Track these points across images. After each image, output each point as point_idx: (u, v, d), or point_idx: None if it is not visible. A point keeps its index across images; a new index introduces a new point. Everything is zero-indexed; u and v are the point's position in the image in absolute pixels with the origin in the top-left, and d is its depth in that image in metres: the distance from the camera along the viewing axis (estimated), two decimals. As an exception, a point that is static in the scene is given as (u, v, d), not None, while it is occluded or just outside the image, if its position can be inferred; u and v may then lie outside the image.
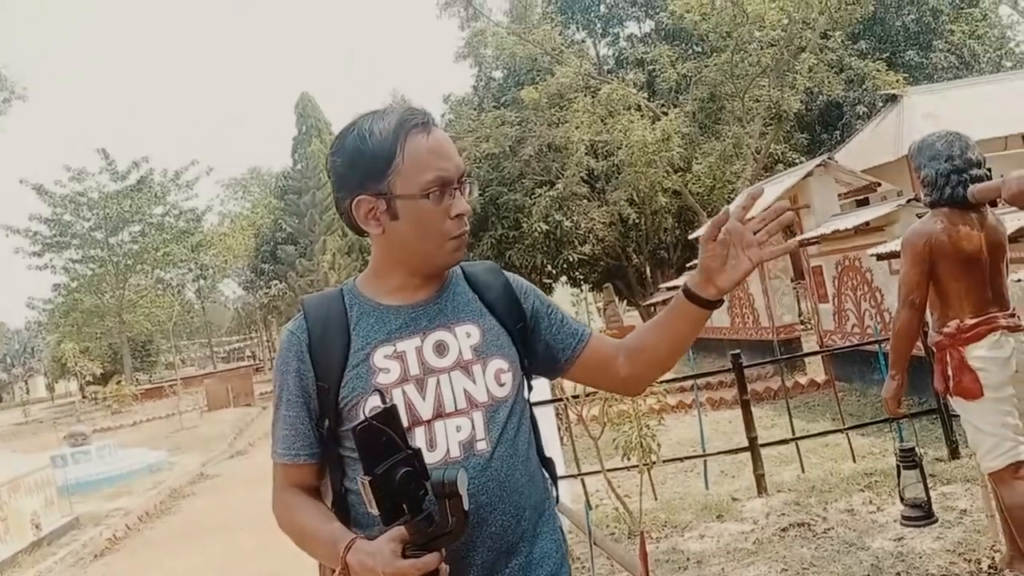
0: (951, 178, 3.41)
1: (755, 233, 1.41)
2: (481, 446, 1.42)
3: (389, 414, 1.22)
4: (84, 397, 36.35)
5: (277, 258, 35.66)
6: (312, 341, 1.46)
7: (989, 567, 3.75)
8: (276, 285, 34.07)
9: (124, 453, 14.74)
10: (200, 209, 41.25)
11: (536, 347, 1.58)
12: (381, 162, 1.41)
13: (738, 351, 6.20)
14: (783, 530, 4.82)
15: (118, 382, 30.82)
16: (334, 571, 1.36)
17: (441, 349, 1.45)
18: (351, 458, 1.44)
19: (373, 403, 1.37)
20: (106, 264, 36.48)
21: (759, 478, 5.76)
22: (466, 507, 1.19)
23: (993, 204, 3.42)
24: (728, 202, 16.55)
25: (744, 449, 5.92)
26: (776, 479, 5.93)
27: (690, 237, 18.97)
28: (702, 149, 19.61)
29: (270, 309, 37.92)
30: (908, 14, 23.49)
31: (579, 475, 5.93)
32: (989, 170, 3.49)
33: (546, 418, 6.04)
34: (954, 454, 5.64)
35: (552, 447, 5.94)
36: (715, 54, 19.91)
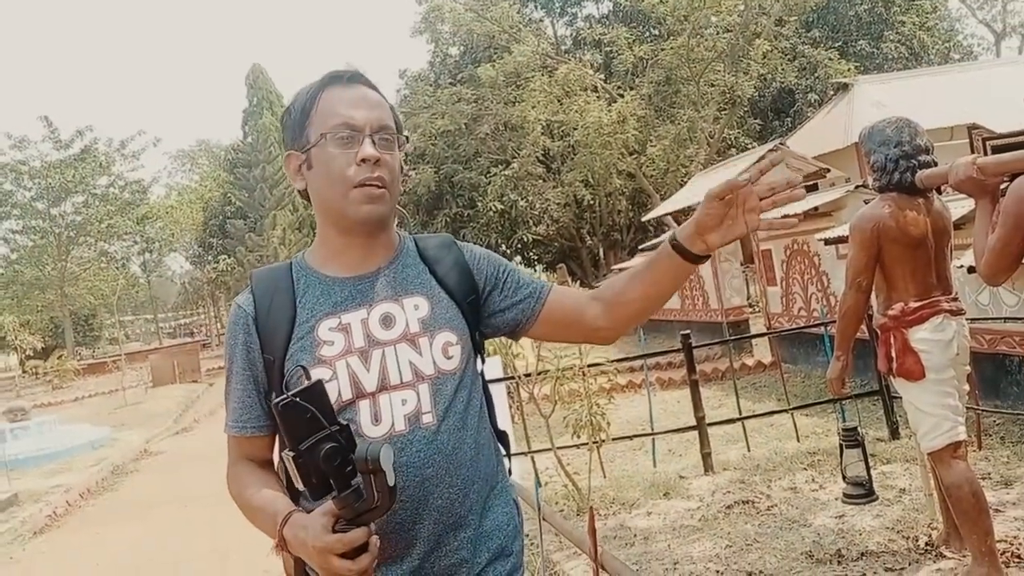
0: (900, 163, 3.46)
1: (761, 200, 1.35)
2: (427, 419, 1.40)
3: (313, 390, 1.21)
4: (24, 372, 35.33)
5: (226, 232, 35.06)
6: (258, 314, 1.45)
7: (926, 544, 3.85)
8: (224, 260, 33.52)
9: (65, 429, 14.38)
10: (147, 181, 40.03)
11: (494, 312, 1.57)
12: (301, 115, 1.47)
13: (688, 332, 6.27)
14: (728, 507, 4.90)
15: (59, 357, 30.02)
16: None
17: (388, 321, 1.44)
18: None
19: (317, 376, 1.35)
20: (48, 235, 35.43)
21: (706, 457, 5.84)
22: (391, 483, 1.17)
23: (939, 190, 3.48)
24: (681, 185, 16.71)
25: (692, 428, 6.00)
26: (722, 458, 6.02)
27: (643, 219, 19.11)
28: (657, 132, 19.74)
29: (218, 284, 37.36)
30: (860, 4, 23.89)
31: (529, 452, 5.95)
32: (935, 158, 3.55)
33: (497, 396, 6.06)
34: (894, 434, 5.78)
35: (503, 425, 5.95)
36: (672, 37, 20.02)
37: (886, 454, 5.42)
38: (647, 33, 22.98)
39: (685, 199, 13.06)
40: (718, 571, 4.00)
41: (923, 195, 3.49)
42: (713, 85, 19.59)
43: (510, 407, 6.57)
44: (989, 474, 4.73)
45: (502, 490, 1.54)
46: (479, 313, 1.56)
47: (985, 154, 6.29)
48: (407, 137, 1.58)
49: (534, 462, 5.85)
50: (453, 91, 22.17)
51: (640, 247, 17.05)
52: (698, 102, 19.56)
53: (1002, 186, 3.08)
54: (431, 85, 24.10)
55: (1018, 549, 3.66)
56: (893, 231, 3.41)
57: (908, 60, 23.04)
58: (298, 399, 1.18)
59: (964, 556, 3.57)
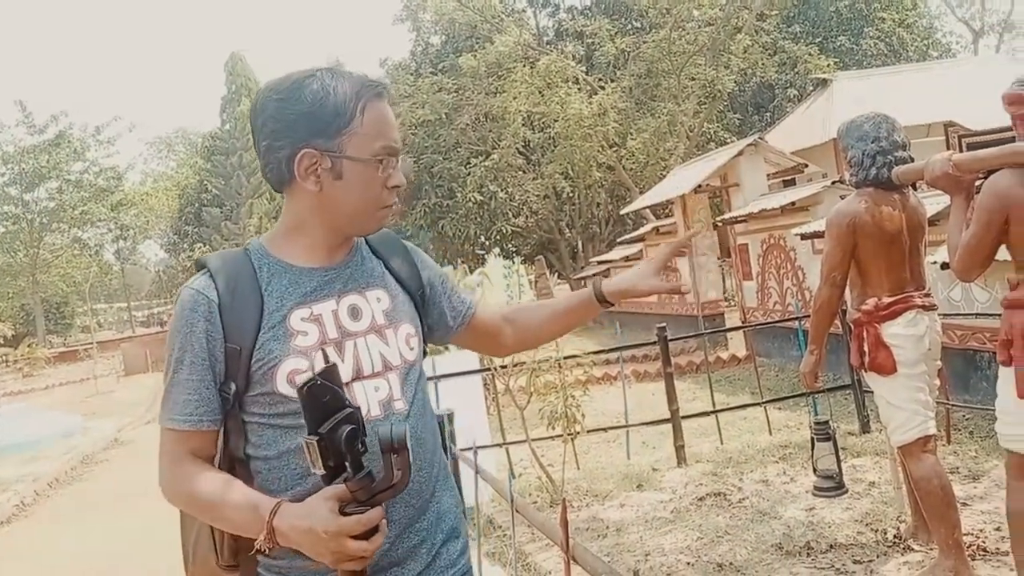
0: (877, 159, 3.47)
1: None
2: (399, 405, 1.44)
3: (331, 372, 1.21)
4: (-6, 359, 34.94)
5: (202, 220, 34.71)
6: (222, 301, 1.41)
7: (894, 537, 3.88)
8: (200, 248, 33.16)
9: (35, 417, 14.20)
10: (122, 167, 39.35)
11: (431, 313, 1.66)
12: (340, 120, 1.40)
13: (664, 325, 6.28)
14: (700, 499, 4.92)
15: (30, 344, 29.62)
16: (233, 541, 1.38)
17: (355, 313, 1.46)
18: (258, 423, 1.41)
19: (292, 366, 1.36)
20: (20, 221, 34.83)
21: (679, 449, 5.86)
22: (411, 460, 1.21)
23: (914, 186, 3.50)
24: (661, 179, 16.72)
25: (666, 421, 6.02)
26: (695, 450, 6.04)
27: (621, 212, 19.12)
28: (637, 125, 19.73)
29: (193, 273, 36.94)
30: (841, 0, 24.00)
31: (504, 444, 5.95)
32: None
33: (474, 388, 6.04)
34: (865, 428, 5.83)
35: (479, 417, 5.94)
36: (654, 30, 20.00)
37: (857, 448, 5.46)
38: (629, 25, 22.94)
39: (664, 192, 13.07)
40: (689, 563, 4.01)
41: (899, 191, 3.51)
42: (694, 79, 19.59)
43: (485, 399, 6.55)
44: (957, 468, 4.78)
45: (447, 474, 1.59)
46: (424, 310, 1.63)
47: (961, 151, 6.35)
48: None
49: (508, 454, 5.85)
50: (434, 81, 22.00)
51: (618, 240, 17.06)
52: (679, 95, 19.57)
53: (977, 183, 3.10)
54: (412, 74, 23.86)
55: (984, 542, 3.70)
56: (869, 226, 3.43)
57: (887, 57, 23.18)
58: (322, 380, 1.18)
59: (931, 549, 3.60)
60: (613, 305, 1.70)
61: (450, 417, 4.10)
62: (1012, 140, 2.95)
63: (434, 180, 22.37)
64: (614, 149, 19.95)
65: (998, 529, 3.74)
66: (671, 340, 6.34)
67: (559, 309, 1.75)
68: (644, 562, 4.12)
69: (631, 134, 19.72)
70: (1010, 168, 2.86)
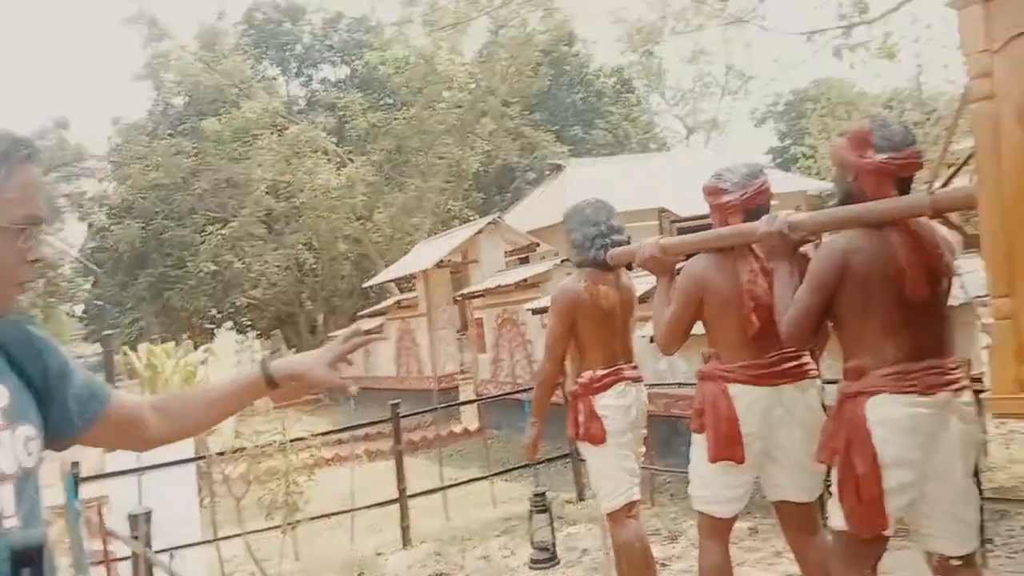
0: (596, 241, 3.61)
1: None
2: (9, 523, 1.22)
3: None
4: None
5: None
6: None
7: (602, 604, 3.93)
8: None
9: None
10: None
11: (53, 411, 1.38)
12: None
13: (398, 401, 6.09)
14: (422, 583, 4.74)
15: None
16: None
17: None
18: None
19: None
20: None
21: (405, 530, 5.65)
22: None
23: (629, 267, 3.67)
24: (406, 253, 16.80)
25: (393, 501, 5.79)
26: (423, 529, 5.87)
27: (365, 285, 18.95)
28: (385, 199, 19.84)
29: None
30: (577, 93, 26.09)
31: (215, 540, 5.36)
32: (629, 237, 3.76)
33: (186, 478, 5.49)
34: (581, 496, 5.99)
35: (190, 511, 5.40)
36: (405, 107, 20.38)
37: (573, 515, 5.57)
38: (382, 101, 23.19)
39: (408, 266, 13.13)
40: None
41: (613, 271, 3.67)
42: (442, 157, 20.13)
43: (199, 489, 5.98)
44: (659, 529, 5.01)
45: None
46: (45, 405, 1.36)
47: (672, 235, 6.91)
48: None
49: (219, 551, 5.32)
50: (172, 143, 20.74)
51: (360, 313, 16.82)
52: (427, 172, 19.98)
53: (678, 265, 3.31)
54: (148, 135, 22.37)
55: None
56: (587, 304, 3.54)
57: (614, 147, 25.38)
58: None
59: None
60: (280, 387, 1.57)
61: (147, 517, 3.65)
62: (711, 226, 3.18)
63: (163, 248, 20.91)
64: (361, 222, 19.86)
65: (694, 588, 3.89)
66: (404, 416, 6.20)
67: (221, 393, 1.59)
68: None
69: (379, 208, 19.78)
70: (705, 253, 3.07)
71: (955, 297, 2.69)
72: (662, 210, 9.87)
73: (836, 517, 2.54)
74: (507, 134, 21.66)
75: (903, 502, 2.46)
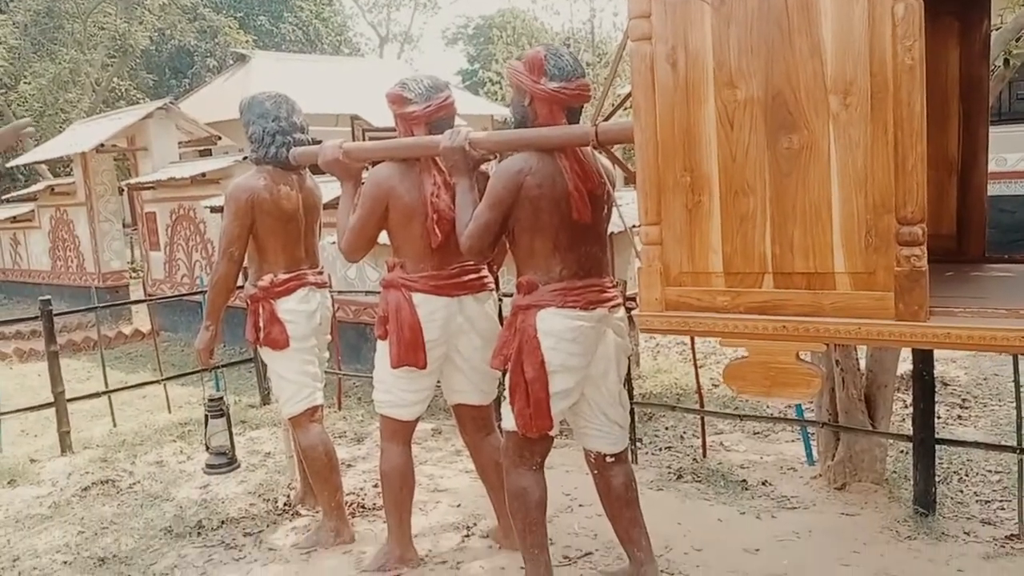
0: (276, 138, 3.53)
1: None
2: None
3: None
4: None
5: None
6: None
7: (284, 504, 4.03)
8: None
9: None
10: None
11: None
12: None
13: (48, 298, 5.53)
14: (85, 490, 4.47)
15: None
16: None
17: None
18: None
19: None
20: None
21: (63, 436, 5.25)
22: None
23: (314, 170, 3.64)
24: (60, 131, 14.90)
25: (48, 405, 5.33)
26: (85, 435, 5.50)
27: (8, 165, 16.58)
28: (33, 69, 17.30)
29: None
30: (264, -21, 24.39)
31: None
32: (312, 138, 3.71)
33: None
34: (265, 401, 5.97)
35: None
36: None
37: (255, 420, 5.56)
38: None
39: (62, 147, 11.63)
40: (66, 561, 3.61)
41: (297, 172, 3.62)
42: (103, 28, 17.88)
43: None
44: (345, 432, 5.19)
45: None
46: None
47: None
48: None
49: None
50: None
51: (6, 197, 14.73)
52: (84, 43, 17.66)
53: (364, 173, 3.36)
54: None
55: (363, 500, 4.07)
56: (267, 203, 3.47)
57: (304, 44, 24.26)
58: None
59: (317, 512, 3.83)
60: None
61: None
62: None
63: None
64: (3, 92, 17.20)
65: (375, 486, 4.13)
66: (60, 314, 5.66)
67: None
68: (12, 568, 3.59)
69: (25, 77, 17.23)
70: (390, 162, 3.14)
71: (615, 224, 3.05)
72: (355, 118, 9.70)
73: (508, 419, 2.84)
74: (183, 12, 19.78)
75: (566, 404, 2.81)
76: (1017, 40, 4.12)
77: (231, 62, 19.10)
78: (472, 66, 31.77)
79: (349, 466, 4.53)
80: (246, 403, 5.95)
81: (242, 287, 3.69)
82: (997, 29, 4.00)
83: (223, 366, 5.57)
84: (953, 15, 2.47)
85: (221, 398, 3.78)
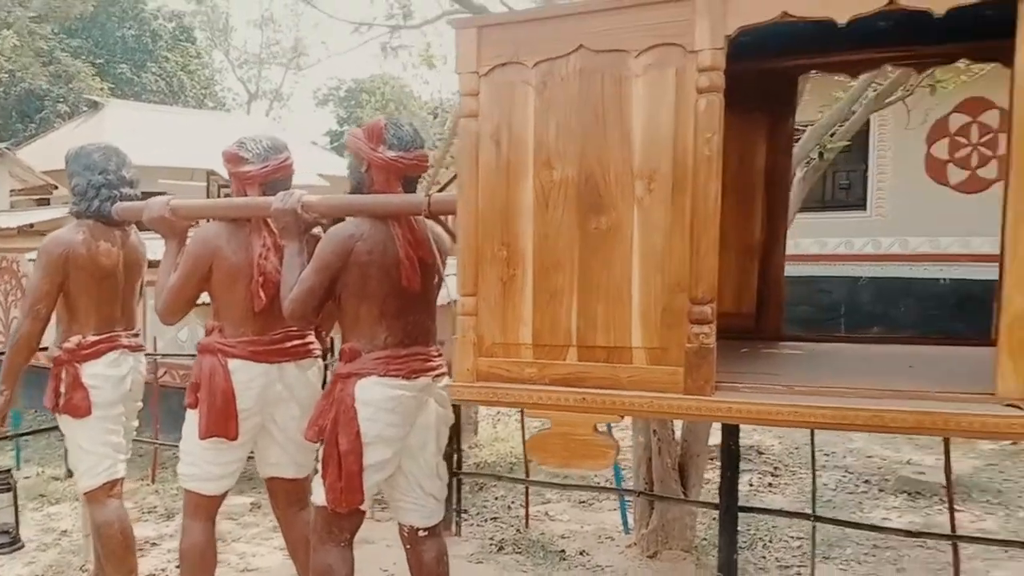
0: (101, 191, 3.30)
1: None
2: None
3: None
4: None
5: None
6: None
7: (76, 587, 3.65)
8: None
9: None
10: None
11: None
12: None
13: None
14: None
15: None
16: None
17: None
18: None
19: None
20: None
21: None
22: None
23: (141, 227, 3.42)
24: None
25: None
26: None
27: None
28: None
29: None
30: (129, 28, 23.61)
31: None
32: (141, 193, 3.49)
33: None
34: (71, 473, 5.45)
35: None
36: None
37: (58, 494, 5.06)
38: None
39: None
40: None
41: (121, 227, 3.40)
42: (-59, 65, 16.86)
43: None
44: (156, 507, 4.79)
45: None
46: None
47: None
48: None
49: None
50: None
51: None
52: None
53: (191, 232, 3.19)
54: None
55: (167, 582, 3.74)
56: (83, 259, 3.22)
57: (167, 96, 23.49)
58: None
59: (109, 597, 3.47)
60: None
61: None
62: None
63: None
64: None
65: (179, 566, 3.80)
66: None
67: None
68: None
69: None
70: (219, 221, 3.00)
71: (442, 297, 3.00)
72: (211, 172, 9.39)
73: (318, 493, 2.68)
74: (36, 55, 18.87)
75: (381, 477, 2.69)
76: (832, 135, 4.43)
77: (84, 108, 18.26)
78: (341, 127, 31.66)
79: (154, 544, 4.18)
80: (50, 475, 5.42)
81: (45, 348, 3.39)
82: (812, 125, 4.31)
83: (27, 433, 5.08)
84: (762, 111, 2.63)
85: (9, 471, 3.42)
